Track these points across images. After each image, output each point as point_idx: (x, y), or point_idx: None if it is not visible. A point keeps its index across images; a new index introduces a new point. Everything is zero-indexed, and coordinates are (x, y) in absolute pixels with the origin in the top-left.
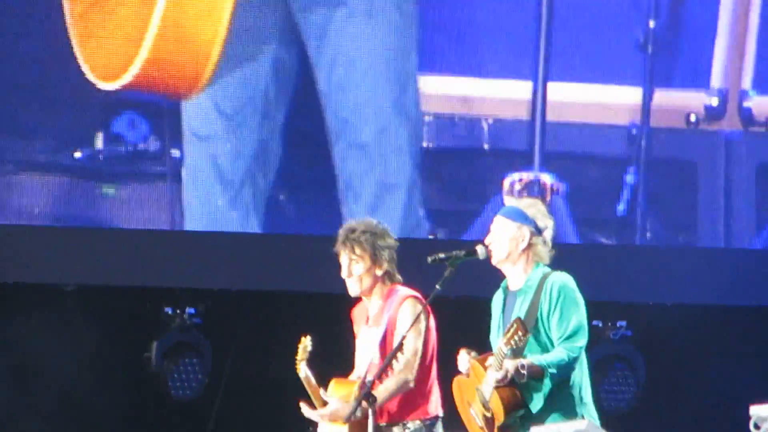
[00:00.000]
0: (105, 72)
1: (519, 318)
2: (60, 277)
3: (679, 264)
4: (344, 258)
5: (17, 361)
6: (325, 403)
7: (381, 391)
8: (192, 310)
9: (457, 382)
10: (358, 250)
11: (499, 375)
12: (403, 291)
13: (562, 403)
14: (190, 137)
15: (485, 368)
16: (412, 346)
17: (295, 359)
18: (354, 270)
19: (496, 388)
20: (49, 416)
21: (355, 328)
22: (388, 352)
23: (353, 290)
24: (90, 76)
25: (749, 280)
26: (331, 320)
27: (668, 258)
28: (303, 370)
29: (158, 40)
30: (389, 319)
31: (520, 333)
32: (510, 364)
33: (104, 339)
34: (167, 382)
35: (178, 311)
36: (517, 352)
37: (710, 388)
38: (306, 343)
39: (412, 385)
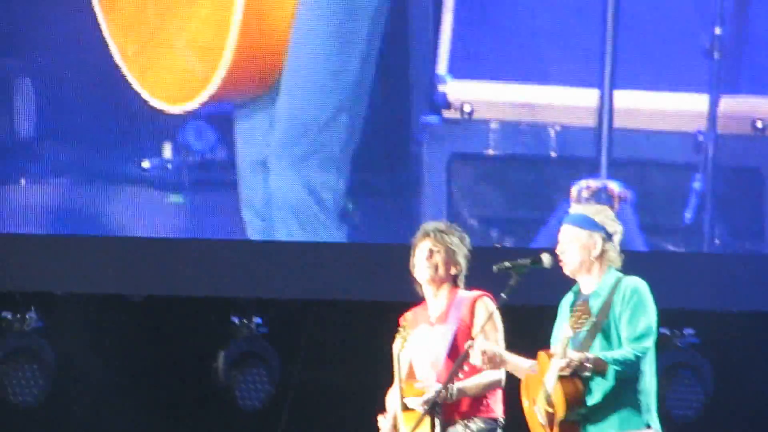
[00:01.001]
0: (173, 96)
1: (585, 300)
2: (128, 288)
3: (747, 271)
4: (423, 248)
5: (85, 370)
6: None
7: (470, 386)
8: (259, 320)
9: (525, 379)
10: (443, 241)
11: (563, 362)
12: (472, 292)
13: (626, 406)
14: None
15: (549, 358)
16: (499, 342)
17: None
18: (436, 256)
19: (560, 379)
20: (112, 420)
21: (406, 332)
22: (461, 351)
23: (426, 274)
24: (156, 102)
25: None
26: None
27: (736, 265)
28: (397, 348)
29: (240, 43)
30: (460, 317)
31: (585, 316)
32: (575, 354)
33: (171, 350)
34: (234, 393)
35: (245, 321)
36: (583, 346)
37: None
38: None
39: (503, 384)
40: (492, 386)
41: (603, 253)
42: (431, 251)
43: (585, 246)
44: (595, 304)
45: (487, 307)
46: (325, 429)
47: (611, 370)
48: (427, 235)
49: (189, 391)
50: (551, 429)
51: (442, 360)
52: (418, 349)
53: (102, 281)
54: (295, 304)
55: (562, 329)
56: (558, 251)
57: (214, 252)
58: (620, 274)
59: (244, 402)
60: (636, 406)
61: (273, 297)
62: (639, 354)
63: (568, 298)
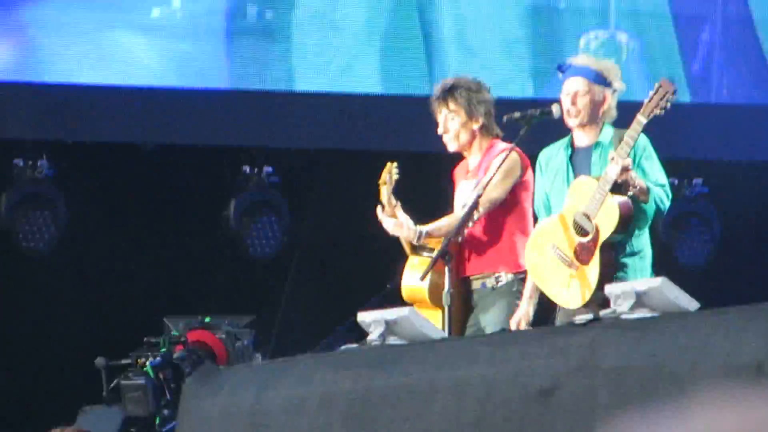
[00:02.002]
0: None
1: (664, 78)
2: (139, 136)
3: (755, 122)
4: (441, 115)
5: (96, 219)
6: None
7: (437, 224)
8: (270, 169)
9: (535, 235)
10: (452, 105)
11: (623, 165)
12: (502, 145)
13: (638, 253)
14: None
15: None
16: (493, 194)
17: (379, 176)
18: (450, 126)
19: (613, 194)
20: (130, 272)
21: (456, 186)
22: None
23: (451, 146)
24: None
25: None
26: (412, 178)
27: (744, 115)
28: (392, 200)
29: None
30: (487, 171)
31: (668, 94)
32: (629, 161)
33: (183, 198)
34: (245, 241)
35: (255, 170)
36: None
37: None
38: (392, 171)
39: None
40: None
41: (609, 108)
42: (446, 119)
43: (596, 101)
44: (598, 155)
45: (503, 160)
46: (335, 278)
47: (651, 199)
48: (438, 101)
49: (200, 239)
50: (584, 258)
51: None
52: (457, 200)
53: (113, 130)
54: (307, 154)
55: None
56: (567, 101)
57: (225, 101)
58: (613, 128)
59: (255, 250)
60: (645, 256)
61: (284, 146)
62: (668, 196)
63: (558, 154)
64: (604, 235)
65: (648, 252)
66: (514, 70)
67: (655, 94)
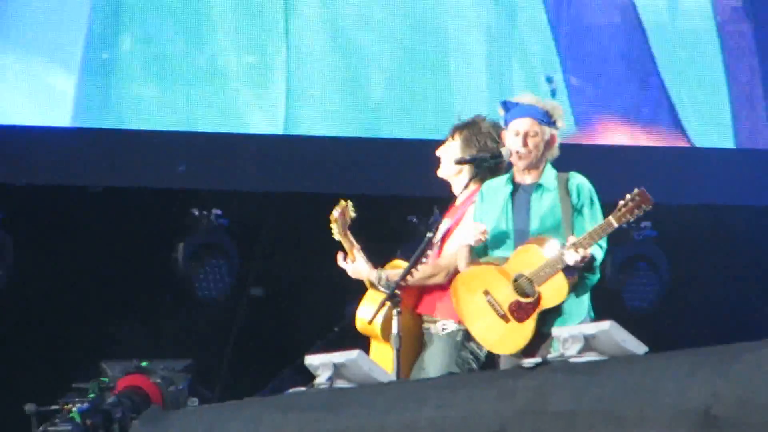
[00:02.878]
0: None
1: (643, 189)
2: (88, 179)
3: (705, 165)
4: (449, 141)
5: (43, 261)
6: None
7: (415, 275)
8: (219, 212)
9: (469, 272)
10: (456, 136)
11: (587, 252)
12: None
13: (576, 297)
14: None
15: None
16: (456, 248)
17: (329, 219)
18: (442, 155)
19: (565, 270)
20: (74, 314)
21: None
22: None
23: (440, 171)
24: None
25: None
26: (360, 220)
27: (693, 159)
28: (337, 232)
29: None
30: (460, 216)
31: (644, 206)
32: (589, 252)
33: (131, 241)
34: (194, 284)
35: (204, 212)
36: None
37: (734, 288)
38: (346, 209)
39: (437, 281)
40: (425, 281)
41: (554, 148)
42: (445, 145)
43: (546, 140)
44: (538, 196)
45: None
46: (283, 321)
47: (594, 269)
48: (456, 128)
49: (149, 282)
50: (519, 316)
51: (436, 250)
52: (438, 235)
53: (62, 172)
54: (256, 196)
55: (603, 220)
56: (518, 142)
57: (174, 144)
58: (554, 167)
59: (203, 293)
60: (582, 298)
61: (233, 189)
62: (605, 247)
63: (500, 188)
64: (546, 305)
65: (585, 295)
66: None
67: (631, 201)
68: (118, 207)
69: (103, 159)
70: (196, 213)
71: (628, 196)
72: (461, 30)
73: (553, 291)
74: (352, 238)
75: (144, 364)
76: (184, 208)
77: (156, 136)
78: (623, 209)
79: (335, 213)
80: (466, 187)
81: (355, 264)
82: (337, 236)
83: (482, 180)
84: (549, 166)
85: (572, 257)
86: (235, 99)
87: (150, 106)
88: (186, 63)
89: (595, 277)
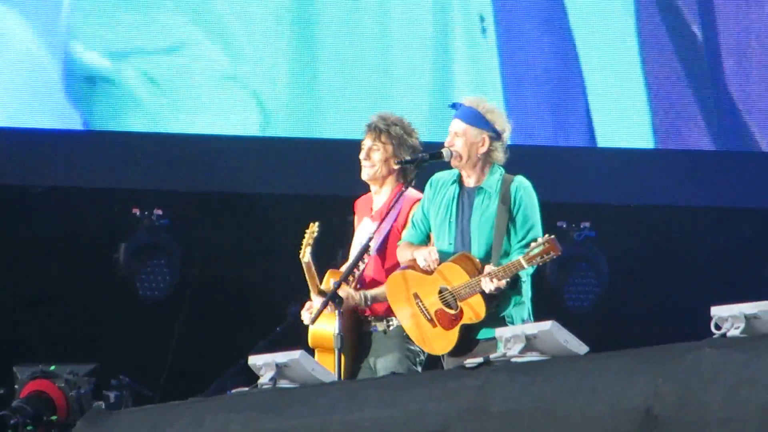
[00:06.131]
0: None
1: (554, 238)
2: (29, 179)
3: (642, 166)
4: (367, 141)
5: None
6: (318, 290)
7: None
8: (160, 212)
9: (402, 274)
10: (384, 138)
11: (502, 284)
12: (414, 193)
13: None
14: None
15: (469, 273)
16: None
17: (301, 243)
18: (373, 155)
19: (482, 294)
20: (16, 315)
21: (357, 219)
22: (391, 250)
23: (366, 173)
24: None
25: (710, 180)
26: (299, 221)
27: (628, 159)
28: (307, 255)
29: None
30: (396, 217)
31: (552, 254)
32: (503, 283)
33: (73, 241)
34: (135, 284)
35: (146, 213)
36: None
37: (672, 288)
38: (314, 229)
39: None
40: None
41: (489, 151)
42: (369, 149)
43: (473, 143)
44: (480, 200)
45: (409, 207)
46: (225, 320)
47: (520, 283)
48: (372, 130)
49: (90, 282)
50: (445, 324)
51: (372, 254)
52: (357, 238)
53: (3, 172)
54: (197, 196)
55: (515, 257)
56: (446, 144)
57: (115, 144)
58: (503, 171)
59: (145, 293)
60: (516, 302)
61: (174, 189)
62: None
63: (448, 186)
64: (466, 321)
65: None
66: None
67: (540, 247)
68: (58, 207)
69: (43, 159)
70: (138, 213)
71: (540, 239)
72: (405, 37)
73: (472, 310)
74: (313, 266)
75: (52, 368)
76: (125, 208)
77: (96, 136)
78: (532, 253)
79: (308, 237)
80: (397, 187)
81: (347, 289)
82: (306, 258)
83: (407, 181)
84: (494, 169)
85: (487, 286)
86: (176, 100)
87: (90, 107)
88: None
89: (519, 296)
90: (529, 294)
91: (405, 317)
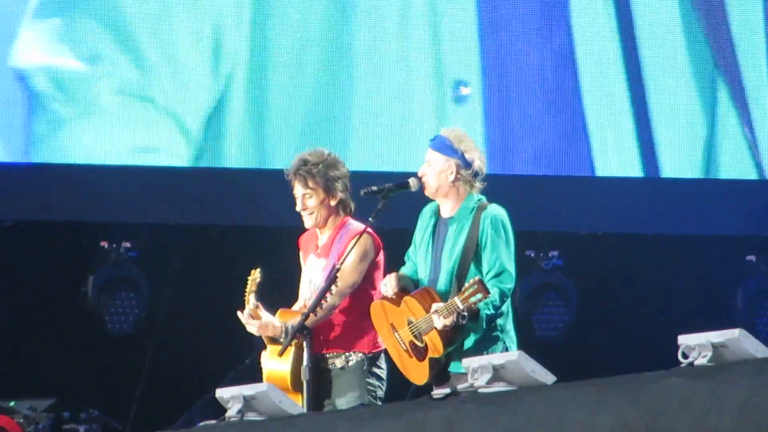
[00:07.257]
0: None
1: (480, 279)
2: None
3: (610, 194)
4: (298, 190)
5: None
6: (271, 339)
7: (319, 313)
8: (128, 244)
9: (381, 304)
10: (311, 183)
11: (448, 321)
12: (355, 225)
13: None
14: None
15: (425, 309)
16: (351, 278)
17: (245, 291)
18: (308, 203)
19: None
20: None
21: (302, 257)
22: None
23: (308, 222)
24: None
25: (679, 209)
26: (267, 252)
27: (599, 188)
28: (252, 302)
29: None
30: (339, 252)
31: (480, 295)
32: (451, 320)
33: (40, 274)
34: (104, 317)
35: (114, 245)
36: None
37: (641, 316)
38: (256, 276)
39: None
40: (327, 315)
41: (458, 179)
42: (303, 197)
43: (441, 171)
44: (453, 230)
45: (359, 244)
46: (194, 353)
47: (483, 316)
48: (295, 176)
49: (58, 315)
50: (417, 356)
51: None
52: (305, 276)
53: None
54: (165, 229)
55: (453, 297)
56: (420, 173)
57: (83, 177)
58: (481, 199)
59: (114, 326)
60: (491, 329)
61: (142, 221)
62: (506, 295)
63: (429, 218)
64: (432, 355)
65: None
66: None
67: (472, 288)
68: (26, 241)
69: (9, 193)
70: (105, 246)
71: (471, 281)
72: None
73: (432, 345)
74: (261, 309)
75: (12, 403)
76: (93, 240)
77: (64, 169)
78: (465, 294)
79: (251, 284)
80: (340, 221)
81: (264, 320)
82: (249, 305)
83: (348, 212)
84: (468, 199)
85: (438, 323)
86: (142, 132)
87: (57, 140)
88: (90, 94)
89: (481, 329)
90: (508, 328)
91: (389, 346)
